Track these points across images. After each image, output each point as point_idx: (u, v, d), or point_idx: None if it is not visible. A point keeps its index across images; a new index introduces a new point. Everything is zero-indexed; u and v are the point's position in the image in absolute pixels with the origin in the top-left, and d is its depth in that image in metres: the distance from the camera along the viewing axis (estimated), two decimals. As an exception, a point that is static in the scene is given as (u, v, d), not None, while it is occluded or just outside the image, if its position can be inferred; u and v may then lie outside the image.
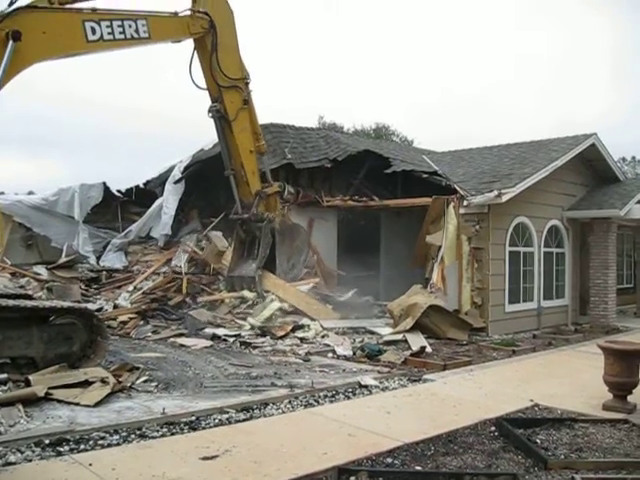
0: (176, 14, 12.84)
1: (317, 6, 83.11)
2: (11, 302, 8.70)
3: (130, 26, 11.43)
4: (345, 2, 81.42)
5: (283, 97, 67.46)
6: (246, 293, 14.68)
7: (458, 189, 15.07)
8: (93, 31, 10.81)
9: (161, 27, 12.35)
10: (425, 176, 16.69)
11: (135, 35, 11.54)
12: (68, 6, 10.77)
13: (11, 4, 9.90)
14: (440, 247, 14.71)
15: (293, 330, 13.12)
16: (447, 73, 79.75)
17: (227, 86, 14.08)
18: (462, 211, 14.81)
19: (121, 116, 66.94)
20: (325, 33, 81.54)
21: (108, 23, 11.05)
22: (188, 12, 13.16)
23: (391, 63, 79.66)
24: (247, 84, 14.68)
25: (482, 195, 14.55)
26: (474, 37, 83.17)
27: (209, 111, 14.49)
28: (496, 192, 14.28)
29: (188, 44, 13.72)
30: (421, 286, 14.50)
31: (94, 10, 10.99)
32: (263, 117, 15.64)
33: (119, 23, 11.23)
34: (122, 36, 11.33)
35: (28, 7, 10.05)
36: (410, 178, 17.56)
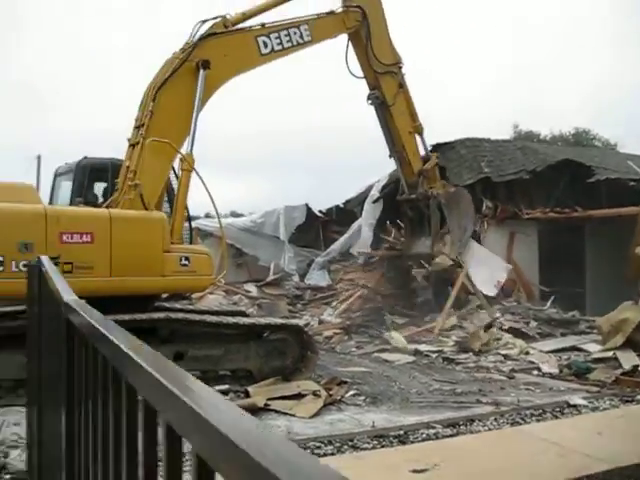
0: (332, 12, 13.25)
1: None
2: (231, 319, 9.52)
3: (295, 33, 12.00)
4: None
5: (474, 107, 66.82)
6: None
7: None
8: (265, 45, 11.55)
9: (321, 28, 12.80)
10: (632, 184, 15.84)
11: (300, 40, 12.10)
12: (240, 26, 11.53)
13: (192, 36, 10.67)
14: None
15: (496, 347, 13.00)
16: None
17: (382, 72, 14.52)
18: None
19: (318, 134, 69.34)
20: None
21: (276, 35, 11.68)
22: (341, 8, 13.53)
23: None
24: (400, 68, 15.06)
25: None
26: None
27: (368, 98, 14.97)
28: None
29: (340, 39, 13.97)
30: (632, 302, 13.72)
31: (263, 25, 11.65)
32: (457, 132, 15.90)
33: (285, 32, 11.84)
34: (289, 44, 11.96)
35: (209, 35, 10.78)
36: (615, 186, 16.72)
